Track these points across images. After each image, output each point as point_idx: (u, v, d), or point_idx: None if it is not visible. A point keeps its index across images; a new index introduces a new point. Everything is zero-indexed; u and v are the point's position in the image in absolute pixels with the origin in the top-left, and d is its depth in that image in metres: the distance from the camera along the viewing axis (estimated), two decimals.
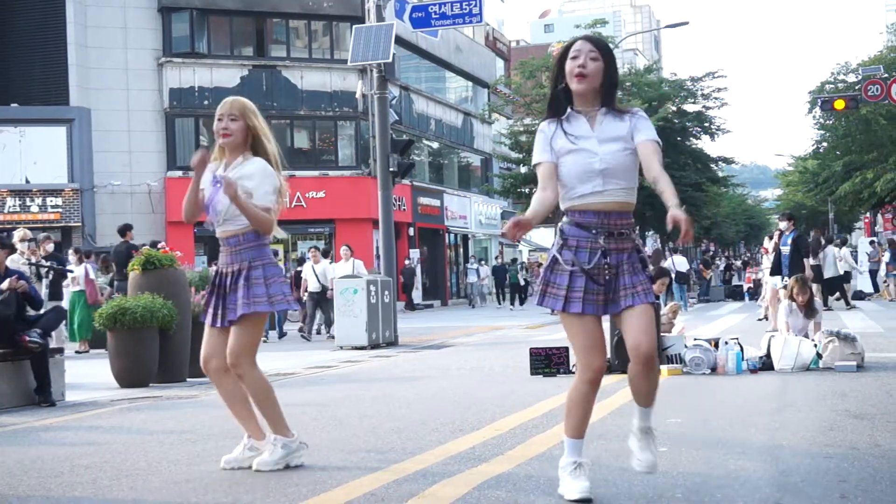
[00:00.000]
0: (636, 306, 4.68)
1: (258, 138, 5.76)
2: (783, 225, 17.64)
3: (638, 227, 51.23)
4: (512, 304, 37.59)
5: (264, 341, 19.61)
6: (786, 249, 16.92)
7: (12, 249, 14.21)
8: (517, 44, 69.99)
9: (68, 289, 17.38)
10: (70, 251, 19.19)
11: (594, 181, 4.72)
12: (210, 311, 5.73)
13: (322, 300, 19.96)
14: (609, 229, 4.73)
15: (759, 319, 19.88)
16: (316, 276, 20.03)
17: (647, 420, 4.94)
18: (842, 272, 26.16)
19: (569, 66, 4.72)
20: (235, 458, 5.67)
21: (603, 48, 4.76)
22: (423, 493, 4.84)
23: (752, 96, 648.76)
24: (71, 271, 17.16)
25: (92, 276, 17.68)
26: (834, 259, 25.18)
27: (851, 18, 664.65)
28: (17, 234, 15.60)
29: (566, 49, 4.79)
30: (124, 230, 18.06)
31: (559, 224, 4.91)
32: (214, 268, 5.93)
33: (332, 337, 18.26)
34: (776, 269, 17.24)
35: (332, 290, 18.27)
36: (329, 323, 19.81)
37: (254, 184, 5.61)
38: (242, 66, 35.36)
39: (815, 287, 25.55)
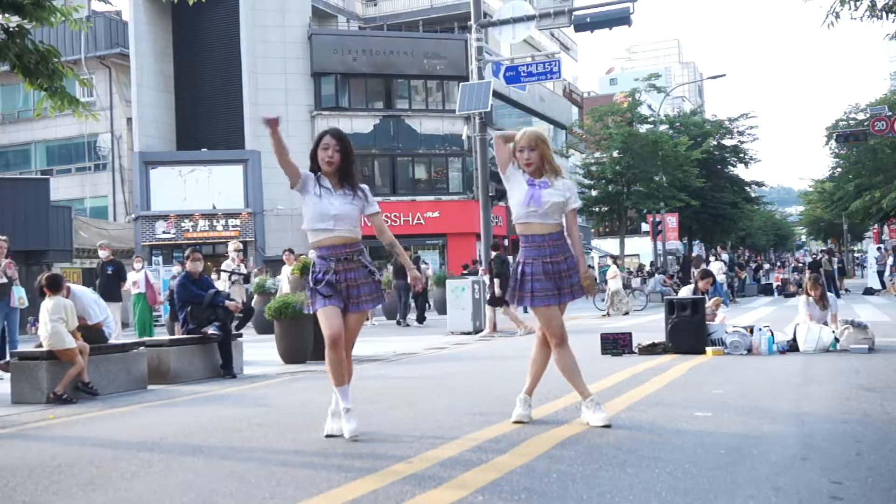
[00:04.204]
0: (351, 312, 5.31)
1: (547, 161, 5.52)
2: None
3: (686, 238, 50.31)
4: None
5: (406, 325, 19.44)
6: None
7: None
8: (588, 94, 69.22)
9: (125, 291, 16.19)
10: (134, 258, 17.30)
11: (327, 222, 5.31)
12: (551, 291, 5.40)
13: None
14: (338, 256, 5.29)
15: None
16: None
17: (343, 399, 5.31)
18: None
19: None
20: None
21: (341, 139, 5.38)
22: (518, 447, 4.80)
23: (778, 129, 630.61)
24: (244, 274, 17.04)
25: (152, 280, 16.76)
26: None
27: (859, 66, 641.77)
28: (232, 246, 15.58)
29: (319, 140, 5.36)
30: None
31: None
32: (528, 258, 5.46)
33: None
34: None
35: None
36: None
37: (570, 194, 5.49)
38: (375, 116, 35.73)
39: None
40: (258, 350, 13.20)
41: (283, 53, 34.40)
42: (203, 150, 32.87)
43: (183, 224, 32.07)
